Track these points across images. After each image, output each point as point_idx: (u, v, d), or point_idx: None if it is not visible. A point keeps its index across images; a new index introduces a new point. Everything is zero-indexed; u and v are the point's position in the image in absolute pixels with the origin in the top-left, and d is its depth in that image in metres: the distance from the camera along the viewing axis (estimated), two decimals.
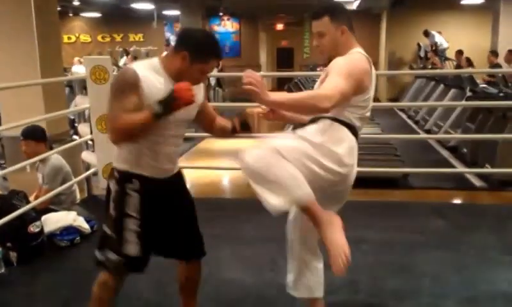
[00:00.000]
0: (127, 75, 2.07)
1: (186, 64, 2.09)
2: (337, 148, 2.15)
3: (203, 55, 2.11)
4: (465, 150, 6.25)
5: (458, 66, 10.16)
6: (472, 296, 2.90)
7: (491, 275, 3.16)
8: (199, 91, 2.27)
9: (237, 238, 3.85)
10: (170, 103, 1.97)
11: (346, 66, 2.14)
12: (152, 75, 2.09)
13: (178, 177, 2.44)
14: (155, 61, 2.16)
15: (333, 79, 2.10)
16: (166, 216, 2.30)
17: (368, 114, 2.29)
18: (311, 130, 2.20)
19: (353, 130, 2.22)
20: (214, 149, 7.66)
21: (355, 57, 2.21)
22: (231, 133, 2.47)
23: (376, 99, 14.85)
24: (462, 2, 13.09)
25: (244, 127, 2.46)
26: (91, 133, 4.59)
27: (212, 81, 12.07)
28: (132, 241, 2.24)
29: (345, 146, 2.17)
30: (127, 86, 2.04)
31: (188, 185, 5.62)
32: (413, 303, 2.85)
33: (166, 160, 2.26)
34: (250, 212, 4.48)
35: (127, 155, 2.22)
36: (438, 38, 13.26)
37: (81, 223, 3.86)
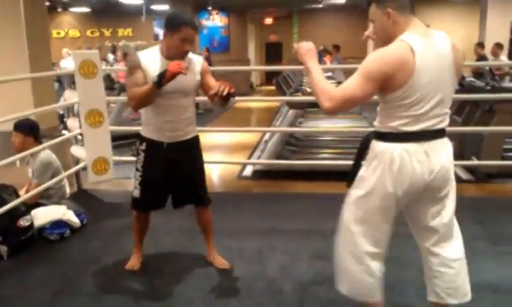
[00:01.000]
0: (132, 60, 2.92)
1: (167, 39, 2.80)
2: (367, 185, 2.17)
3: (174, 25, 2.75)
4: (452, 143, 6.29)
5: None
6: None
7: (477, 267, 3.19)
8: (192, 68, 2.87)
9: (225, 231, 3.87)
10: (164, 74, 2.63)
11: (368, 64, 2.03)
12: (150, 57, 2.84)
13: (187, 144, 3.06)
14: (156, 46, 2.91)
15: (350, 79, 2.05)
16: (166, 172, 2.99)
17: (423, 110, 2.03)
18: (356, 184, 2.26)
19: (401, 137, 2.07)
20: (202, 144, 7.66)
21: (386, 52, 2.02)
22: (211, 99, 2.82)
23: None
24: None
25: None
26: (80, 127, 4.59)
27: None
28: (136, 187, 3.09)
29: (377, 174, 2.13)
30: (132, 67, 2.84)
31: None
32: (399, 294, 2.89)
33: (168, 128, 2.93)
34: (237, 205, 4.53)
35: (142, 123, 3.05)
36: None
37: (71, 217, 3.87)
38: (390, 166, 2.08)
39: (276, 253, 3.43)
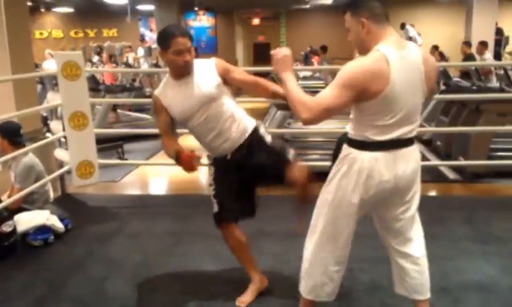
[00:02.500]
0: (154, 103, 2.80)
1: (164, 57, 2.66)
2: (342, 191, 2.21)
3: (164, 41, 2.62)
4: (439, 143, 6.33)
5: None
6: (445, 286, 2.95)
7: (464, 266, 3.21)
8: (203, 82, 2.69)
9: (212, 235, 3.81)
10: (177, 161, 2.60)
11: (345, 75, 2.04)
12: (165, 89, 2.75)
13: (247, 146, 2.79)
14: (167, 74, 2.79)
15: (327, 89, 2.06)
16: (233, 183, 2.82)
17: (394, 119, 2.08)
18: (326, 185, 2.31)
19: (372, 146, 2.12)
20: (191, 146, 7.62)
21: (363, 62, 2.05)
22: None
23: None
24: None
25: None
26: (64, 130, 4.52)
27: None
28: (213, 202, 2.86)
29: (351, 180, 2.16)
30: (156, 111, 2.79)
31: (165, 183, 5.58)
32: (386, 294, 2.88)
33: (216, 143, 2.77)
34: None
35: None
36: (413, 33, 13.42)
37: (55, 222, 3.80)
38: (358, 174, 2.14)
39: (265, 256, 3.39)
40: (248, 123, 2.84)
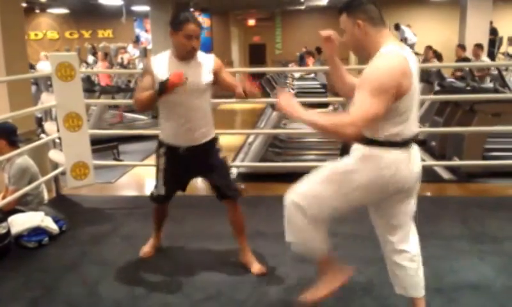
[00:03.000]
0: (144, 64, 3.15)
1: (173, 38, 2.89)
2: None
3: (177, 23, 2.85)
4: (434, 143, 6.34)
5: (425, 61, 10.32)
6: (439, 286, 2.96)
7: (458, 266, 3.22)
8: (203, 68, 2.98)
9: (208, 236, 3.84)
10: (164, 85, 2.74)
11: (376, 80, 2.01)
12: (161, 61, 2.96)
13: (204, 149, 3.09)
14: (169, 50, 3.01)
15: (361, 99, 2.01)
16: (185, 172, 3.17)
17: (412, 115, 2.14)
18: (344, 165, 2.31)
19: (396, 145, 2.14)
20: None
21: (386, 63, 2.04)
22: (237, 97, 2.96)
23: None
24: None
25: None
26: (58, 131, 4.50)
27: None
28: (159, 186, 3.22)
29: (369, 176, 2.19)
30: (144, 72, 3.03)
31: None
32: (381, 294, 2.89)
33: (180, 130, 3.00)
34: (221, 209, 4.47)
35: (161, 129, 3.16)
36: (408, 33, 13.46)
37: (49, 223, 3.79)
38: (381, 172, 2.16)
39: (260, 256, 3.38)
40: (212, 130, 3.14)
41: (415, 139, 2.23)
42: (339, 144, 6.19)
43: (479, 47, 9.06)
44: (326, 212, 2.33)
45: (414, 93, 2.11)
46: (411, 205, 2.36)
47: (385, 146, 2.15)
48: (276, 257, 3.40)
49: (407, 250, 2.37)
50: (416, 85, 2.12)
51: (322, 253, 2.45)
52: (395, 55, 2.06)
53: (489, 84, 7.76)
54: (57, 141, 4.75)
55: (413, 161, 2.21)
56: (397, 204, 2.32)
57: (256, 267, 3.19)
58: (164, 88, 2.75)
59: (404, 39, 13.35)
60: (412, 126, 2.17)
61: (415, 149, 2.24)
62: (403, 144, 2.16)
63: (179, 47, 2.90)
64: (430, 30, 13.69)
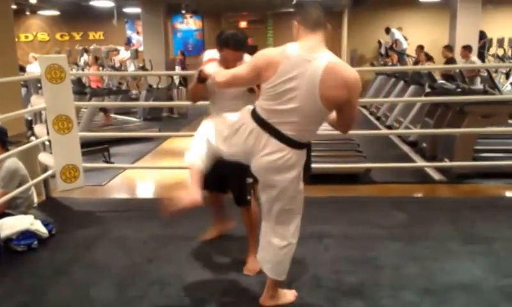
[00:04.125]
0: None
1: (219, 50, 3.01)
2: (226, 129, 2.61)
3: (219, 43, 2.98)
4: (425, 145, 6.36)
5: (417, 62, 10.37)
6: (431, 287, 2.97)
7: (448, 266, 3.24)
8: None
9: (199, 239, 3.82)
10: (199, 72, 2.92)
11: (252, 58, 2.52)
12: (212, 53, 3.14)
13: None
14: None
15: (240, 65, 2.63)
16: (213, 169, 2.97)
17: (280, 107, 2.34)
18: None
19: (256, 116, 2.43)
20: (178, 149, 7.59)
21: (266, 51, 2.45)
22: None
23: None
24: (421, 0, 13.37)
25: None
26: (48, 134, 4.47)
27: (176, 80, 11.94)
28: None
29: (234, 127, 2.54)
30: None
31: (151, 186, 5.58)
32: (372, 296, 2.90)
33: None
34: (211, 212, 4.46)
35: None
36: (398, 35, 13.51)
37: (38, 227, 3.75)
38: None
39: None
40: None
41: (273, 130, 2.39)
42: (334, 145, 6.22)
43: (466, 48, 9.10)
44: None
45: (278, 87, 2.31)
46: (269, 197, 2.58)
47: (252, 113, 2.55)
48: None
49: None
50: (284, 83, 2.30)
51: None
52: (278, 49, 2.37)
53: (479, 86, 7.81)
54: (47, 143, 4.72)
55: (258, 140, 2.44)
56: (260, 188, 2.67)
57: (247, 268, 3.20)
58: (199, 75, 2.90)
59: (394, 42, 13.41)
60: (273, 116, 2.39)
61: (270, 138, 2.42)
62: (258, 120, 2.46)
63: (223, 63, 2.98)
64: (420, 32, 13.74)
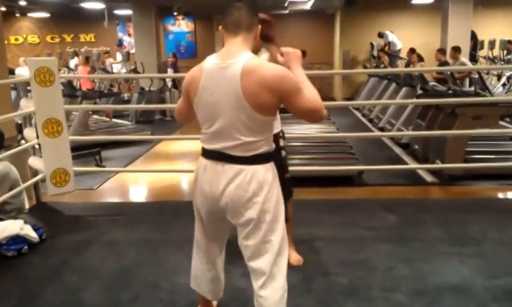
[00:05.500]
0: None
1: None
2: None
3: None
4: (417, 147, 6.39)
5: (408, 64, 10.41)
6: (421, 288, 2.98)
7: (439, 268, 3.24)
8: None
9: (191, 241, 3.79)
10: None
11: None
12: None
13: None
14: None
15: None
16: None
17: (211, 130, 2.09)
18: None
19: (202, 151, 2.20)
20: (170, 152, 7.58)
21: (191, 70, 2.20)
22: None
23: (331, 98, 14.91)
24: (413, 2, 13.41)
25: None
26: (38, 137, 4.43)
27: (168, 82, 11.91)
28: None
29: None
30: None
31: (144, 190, 5.55)
32: (364, 298, 2.90)
33: None
34: None
35: None
36: (392, 37, 13.56)
37: (28, 232, 3.72)
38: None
39: (243, 262, 3.36)
40: (278, 124, 3.08)
41: (226, 157, 2.08)
42: (326, 148, 6.22)
43: (455, 50, 9.15)
44: None
45: (203, 106, 2.10)
46: (247, 234, 2.14)
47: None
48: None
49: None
50: (206, 99, 2.06)
51: None
52: (199, 64, 2.15)
53: (467, 87, 7.86)
54: (37, 147, 4.68)
55: (216, 177, 2.10)
56: (228, 224, 2.27)
57: (293, 258, 3.23)
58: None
59: (388, 44, 13.45)
60: (214, 141, 2.10)
61: (225, 168, 2.08)
62: (205, 153, 2.18)
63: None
64: (412, 35, 13.79)
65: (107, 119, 9.24)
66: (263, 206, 2.08)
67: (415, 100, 6.99)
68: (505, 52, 11.77)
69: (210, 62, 2.09)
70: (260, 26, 2.18)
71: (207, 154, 2.15)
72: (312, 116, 2.09)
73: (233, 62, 2.01)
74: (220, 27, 2.15)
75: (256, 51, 2.29)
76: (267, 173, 2.10)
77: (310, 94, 2.05)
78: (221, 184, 2.09)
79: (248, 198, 2.07)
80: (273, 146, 2.18)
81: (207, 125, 2.11)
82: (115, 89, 12.54)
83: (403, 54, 12.33)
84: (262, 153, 2.08)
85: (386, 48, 13.23)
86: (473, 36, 11.88)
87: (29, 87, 4.56)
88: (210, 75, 2.05)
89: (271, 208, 2.10)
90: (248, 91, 1.97)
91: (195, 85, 2.09)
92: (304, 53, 10.67)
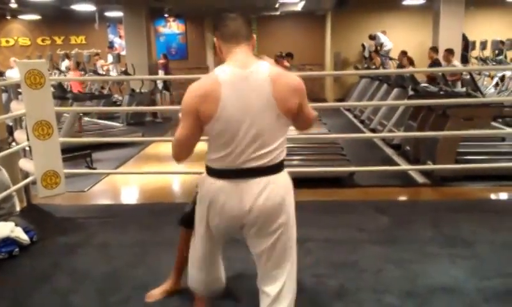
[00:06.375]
0: None
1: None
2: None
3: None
4: (408, 148, 6.41)
5: (400, 66, 10.45)
6: (412, 289, 2.98)
7: (430, 269, 3.25)
8: None
9: None
10: None
11: (182, 104, 2.09)
12: None
13: None
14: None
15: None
16: None
17: (231, 144, 2.03)
18: None
19: (213, 172, 2.13)
20: (161, 154, 7.54)
21: (193, 86, 2.07)
22: None
23: (322, 99, 14.92)
24: (404, 3, 13.48)
25: None
26: (28, 140, 4.40)
27: (159, 84, 11.88)
28: None
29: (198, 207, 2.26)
30: None
31: (135, 191, 5.53)
32: (355, 299, 2.90)
33: None
34: None
35: None
36: (383, 38, 13.62)
37: (19, 234, 3.70)
38: (201, 198, 2.22)
39: (233, 262, 3.34)
40: None
41: (250, 172, 2.06)
42: (317, 149, 6.22)
43: (449, 52, 9.21)
44: None
45: (225, 120, 2.01)
46: (262, 246, 2.17)
47: (207, 171, 2.16)
48: (249, 263, 3.37)
49: (264, 290, 2.22)
50: (232, 111, 1.99)
51: None
52: (205, 78, 2.08)
53: (461, 89, 7.89)
54: (28, 149, 4.65)
55: (240, 195, 2.07)
56: (249, 240, 2.22)
57: None
58: None
59: (379, 45, 13.50)
60: (236, 158, 2.05)
61: (250, 183, 2.07)
62: (219, 174, 2.10)
63: None
64: (404, 35, 13.85)
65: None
66: (289, 210, 2.17)
67: (406, 101, 7.01)
68: (496, 52, 11.84)
69: (228, 72, 2.03)
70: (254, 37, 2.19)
71: (223, 174, 2.09)
72: (310, 124, 2.27)
73: (254, 69, 2.03)
74: (216, 39, 2.14)
75: None
76: (287, 177, 2.20)
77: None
78: (247, 202, 2.07)
79: (278, 206, 2.11)
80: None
81: (227, 140, 2.03)
82: (106, 91, 12.50)
83: (394, 55, 12.36)
84: (283, 160, 2.15)
85: (379, 49, 13.28)
86: (464, 37, 11.94)
87: (19, 90, 4.54)
88: (233, 84, 2.01)
89: (292, 213, 2.21)
90: (279, 96, 2.02)
91: (213, 98, 1.99)
92: (291, 55, 10.66)
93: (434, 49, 9.69)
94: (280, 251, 2.16)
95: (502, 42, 11.83)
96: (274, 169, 2.10)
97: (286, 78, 2.08)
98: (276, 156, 2.09)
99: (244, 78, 2.02)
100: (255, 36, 2.19)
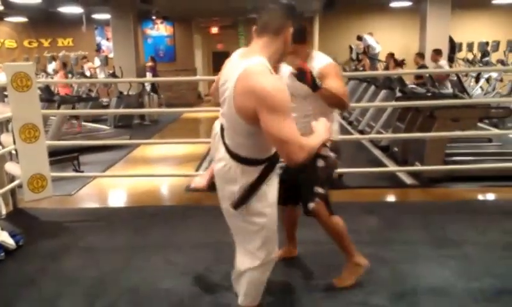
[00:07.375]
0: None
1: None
2: None
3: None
4: (396, 149, 6.43)
5: (387, 68, 10.51)
6: (401, 291, 2.99)
7: (419, 270, 3.26)
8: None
9: (172, 246, 3.77)
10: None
11: (280, 100, 2.03)
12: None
13: None
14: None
15: (283, 124, 2.03)
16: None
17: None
18: None
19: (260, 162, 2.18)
20: (149, 157, 7.51)
21: (277, 81, 2.06)
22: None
23: None
24: (391, 5, 13.57)
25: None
26: (15, 143, 4.35)
27: (147, 86, 11.82)
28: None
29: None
30: None
31: (122, 195, 5.48)
32: (344, 301, 2.90)
33: None
34: (185, 218, 4.42)
35: None
36: (371, 41, 13.68)
37: (5, 238, 3.66)
38: None
39: (224, 266, 3.33)
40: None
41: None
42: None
43: (436, 52, 9.27)
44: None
45: (220, 90, 2.20)
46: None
47: (255, 162, 2.17)
48: None
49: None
50: (220, 85, 2.19)
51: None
52: (269, 71, 2.02)
53: (449, 90, 7.95)
54: (14, 153, 4.59)
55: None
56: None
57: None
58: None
59: (367, 47, 13.57)
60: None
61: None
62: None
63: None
64: (391, 37, 13.95)
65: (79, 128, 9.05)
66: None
67: (394, 103, 7.03)
68: (480, 53, 11.94)
69: (233, 56, 2.19)
70: (291, 29, 2.14)
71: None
72: (279, 147, 2.01)
73: (243, 62, 2.03)
74: (254, 28, 2.16)
75: (283, 56, 2.22)
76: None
77: (293, 131, 1.96)
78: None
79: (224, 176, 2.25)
80: None
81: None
82: (93, 94, 12.42)
83: (382, 57, 12.44)
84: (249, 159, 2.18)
85: (366, 51, 13.35)
86: (450, 39, 12.05)
87: (5, 93, 4.48)
88: (227, 70, 2.14)
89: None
90: (236, 94, 2.00)
91: (221, 72, 2.21)
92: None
93: (421, 55, 9.75)
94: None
95: (487, 43, 11.95)
96: (228, 151, 2.15)
97: (251, 80, 1.95)
98: (231, 144, 2.13)
99: (235, 65, 2.07)
100: (291, 29, 2.13)
